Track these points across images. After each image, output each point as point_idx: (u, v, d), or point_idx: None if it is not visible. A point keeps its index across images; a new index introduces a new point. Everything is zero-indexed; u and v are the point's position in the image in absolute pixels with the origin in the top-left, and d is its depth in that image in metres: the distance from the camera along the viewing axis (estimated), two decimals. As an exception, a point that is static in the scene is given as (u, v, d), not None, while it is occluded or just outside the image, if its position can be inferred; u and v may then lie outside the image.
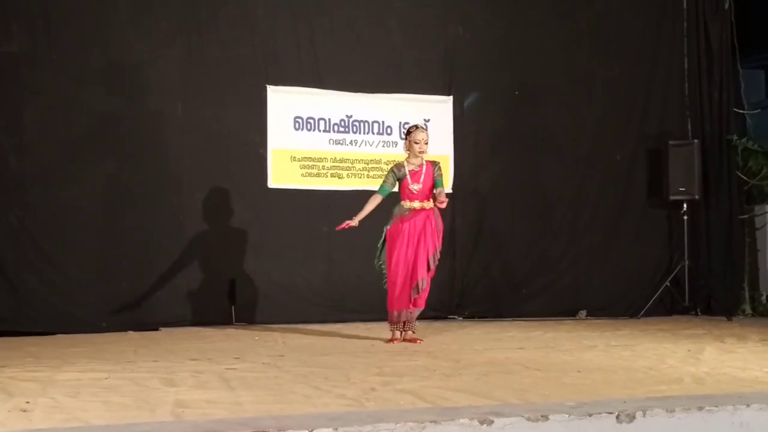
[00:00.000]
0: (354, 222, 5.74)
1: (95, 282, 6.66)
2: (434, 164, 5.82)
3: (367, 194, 7.41)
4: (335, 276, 7.34)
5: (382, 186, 5.85)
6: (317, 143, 7.42)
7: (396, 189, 5.83)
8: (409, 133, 5.84)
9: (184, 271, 6.92)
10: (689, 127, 8.44)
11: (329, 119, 7.47)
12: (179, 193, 6.99)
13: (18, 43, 6.56)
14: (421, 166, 5.77)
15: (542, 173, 8.03)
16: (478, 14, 7.95)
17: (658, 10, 8.46)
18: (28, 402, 3.39)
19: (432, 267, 5.72)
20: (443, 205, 5.65)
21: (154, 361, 4.73)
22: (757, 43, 9.19)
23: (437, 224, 5.77)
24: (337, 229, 5.84)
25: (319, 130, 7.44)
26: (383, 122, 7.62)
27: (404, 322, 5.75)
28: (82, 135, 6.71)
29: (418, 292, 5.70)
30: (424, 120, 7.70)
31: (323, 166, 7.43)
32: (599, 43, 8.28)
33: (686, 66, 8.48)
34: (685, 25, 8.49)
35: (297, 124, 7.37)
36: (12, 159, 6.54)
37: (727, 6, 8.48)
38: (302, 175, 7.37)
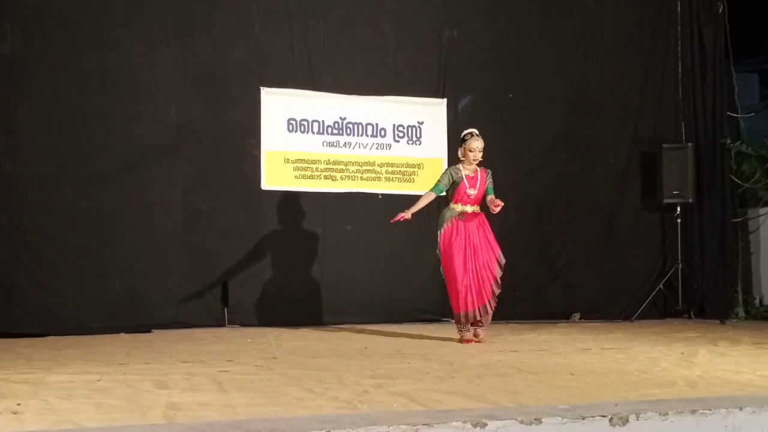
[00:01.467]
0: (407, 215, 5.85)
1: (88, 284, 6.64)
2: (487, 171, 5.96)
3: (361, 196, 7.48)
4: (328, 278, 7.33)
5: (437, 185, 5.92)
6: (311, 145, 7.41)
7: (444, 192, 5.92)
8: (464, 140, 5.91)
9: (177, 273, 6.91)
10: (683, 130, 8.46)
11: (323, 121, 7.46)
12: (172, 194, 6.97)
13: (11, 44, 6.54)
14: (476, 171, 5.89)
15: (536, 176, 8.03)
16: (472, 17, 7.96)
17: (652, 13, 8.48)
18: (19, 404, 3.37)
19: (502, 265, 5.85)
20: (497, 210, 5.77)
21: (147, 363, 4.72)
22: (750, 46, 9.23)
23: (488, 227, 5.91)
24: (392, 221, 5.91)
25: (313, 132, 7.43)
26: (377, 125, 7.62)
27: (472, 322, 5.82)
28: (76, 137, 6.69)
29: (499, 288, 5.84)
30: (418, 122, 7.72)
31: (317, 168, 7.43)
32: (593, 47, 8.29)
33: (680, 69, 8.50)
34: (679, 28, 8.52)
35: (291, 126, 7.36)
36: (5, 161, 6.52)
37: (721, 10, 8.50)
38: (296, 177, 7.36)
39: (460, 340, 5.83)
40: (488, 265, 5.83)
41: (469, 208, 5.86)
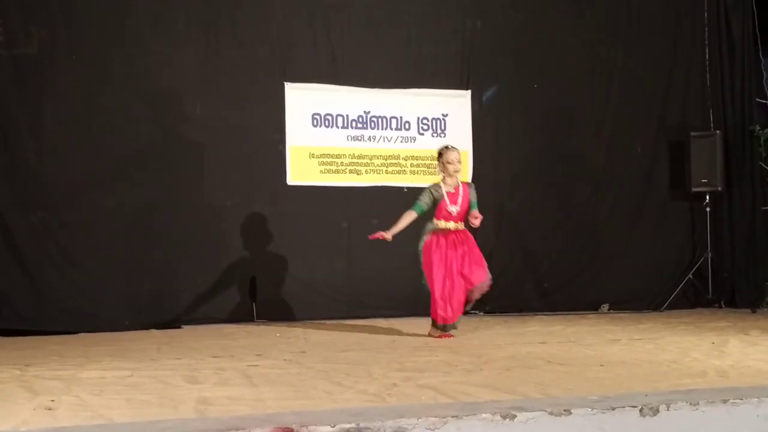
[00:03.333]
0: (388, 235, 5.74)
1: (117, 281, 6.70)
2: (470, 185, 5.88)
3: (385, 190, 7.48)
4: (355, 272, 7.35)
5: (417, 203, 5.82)
6: (335, 140, 7.42)
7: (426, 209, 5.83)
8: (440, 155, 5.83)
9: (206, 269, 6.95)
10: (711, 117, 8.35)
11: (347, 115, 7.46)
12: (199, 191, 7.02)
13: (38, 44, 6.61)
14: (457, 188, 5.79)
15: (563, 166, 7.98)
16: (495, 7, 7.91)
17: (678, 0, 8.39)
18: (52, 400, 3.41)
19: (485, 288, 5.78)
20: (477, 222, 5.69)
21: (177, 358, 4.76)
22: (779, 32, 9.07)
23: (472, 244, 5.79)
24: (369, 237, 5.84)
25: (337, 127, 7.44)
26: (401, 118, 7.61)
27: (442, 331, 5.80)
28: (103, 135, 6.74)
29: (480, 294, 5.80)
30: (443, 115, 7.69)
31: (342, 162, 7.44)
32: (619, 34, 8.21)
33: (707, 56, 8.39)
34: (706, 14, 8.40)
35: (315, 121, 7.37)
36: (33, 160, 6.59)
37: (748, -6, 8.39)
38: (321, 171, 7.37)
39: (430, 334, 5.76)
40: (476, 269, 5.70)
41: (452, 225, 5.74)
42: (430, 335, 5.80)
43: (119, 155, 6.78)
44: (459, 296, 5.71)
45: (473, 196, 5.82)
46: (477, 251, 5.80)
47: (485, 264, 5.80)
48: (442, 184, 5.81)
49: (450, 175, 5.79)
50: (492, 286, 5.86)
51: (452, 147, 5.86)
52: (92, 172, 6.70)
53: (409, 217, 5.79)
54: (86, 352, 5.15)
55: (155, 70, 6.91)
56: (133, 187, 6.81)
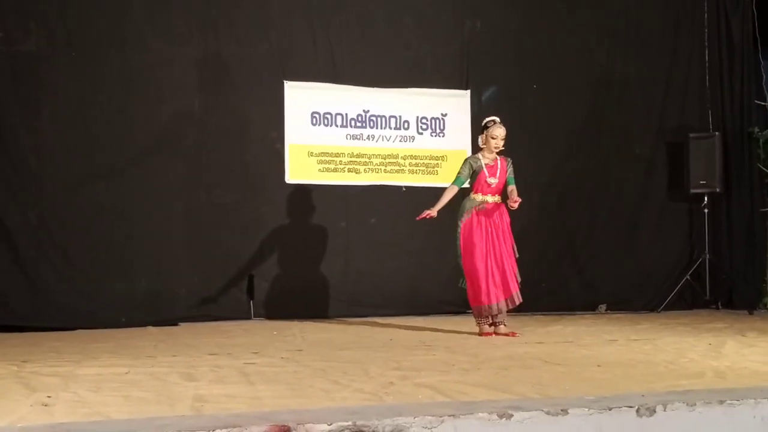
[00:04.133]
0: (433, 212, 5.73)
1: (114, 279, 6.70)
2: (507, 160, 5.85)
3: (383, 189, 7.48)
4: (353, 271, 7.35)
5: (458, 177, 5.82)
6: (334, 138, 7.42)
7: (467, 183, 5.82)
8: (486, 127, 5.81)
9: (202, 267, 6.95)
10: (710, 119, 8.36)
11: (346, 114, 7.46)
12: (197, 189, 7.02)
13: (36, 41, 6.60)
14: (495, 160, 5.77)
15: (561, 166, 7.98)
16: (494, 8, 7.91)
17: (678, 1, 8.38)
18: (49, 396, 3.41)
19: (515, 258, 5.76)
20: (516, 206, 5.67)
21: (174, 356, 4.76)
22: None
23: (508, 219, 5.79)
24: (417, 219, 5.81)
25: (336, 125, 7.44)
26: (400, 117, 7.61)
27: (494, 315, 5.72)
28: (100, 134, 6.74)
29: (518, 281, 5.73)
30: (442, 114, 7.69)
31: (340, 161, 7.44)
32: (618, 35, 8.22)
33: (707, 58, 8.40)
34: (705, 16, 8.41)
35: (314, 120, 7.37)
36: (31, 158, 6.58)
37: (749, -3, 8.39)
38: (320, 170, 7.37)
39: (480, 333, 5.73)
40: (511, 256, 5.74)
41: (489, 198, 5.75)
42: (482, 334, 5.65)
43: (115, 153, 6.78)
44: (509, 278, 5.66)
45: (510, 171, 5.80)
46: (509, 228, 5.74)
47: (513, 244, 5.75)
48: (481, 155, 5.78)
49: (491, 151, 5.76)
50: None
51: (499, 123, 5.81)
52: (89, 171, 6.70)
53: (451, 192, 5.79)
54: (83, 348, 5.14)
55: (153, 69, 6.90)
56: (130, 185, 6.80)
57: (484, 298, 5.68)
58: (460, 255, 5.77)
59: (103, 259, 6.69)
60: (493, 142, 5.74)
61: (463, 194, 5.92)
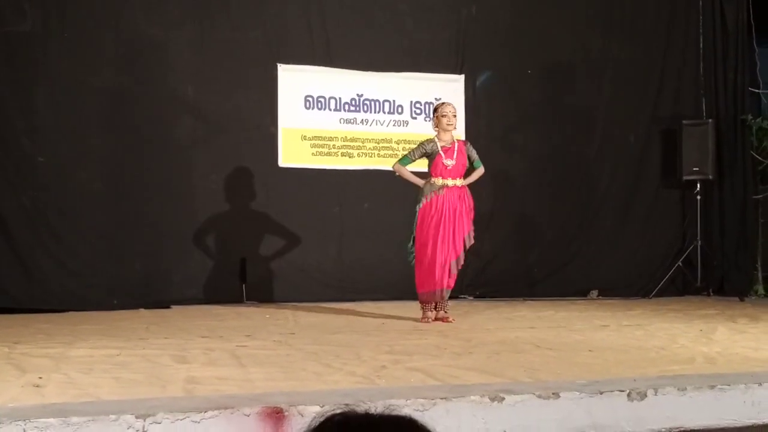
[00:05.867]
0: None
1: (108, 263, 6.68)
2: (465, 142, 5.83)
3: (377, 173, 7.45)
4: (346, 255, 7.34)
5: (404, 157, 5.82)
6: (328, 122, 7.40)
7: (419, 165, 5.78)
8: (436, 109, 5.80)
9: (196, 250, 6.94)
10: (704, 106, 8.36)
11: (340, 98, 7.43)
12: (190, 173, 6.99)
13: (31, 22, 6.54)
14: (452, 143, 5.72)
15: (555, 153, 7.98)
16: (490, -7, 7.88)
17: (673, -13, 8.37)
18: (41, 378, 3.41)
19: (467, 246, 5.69)
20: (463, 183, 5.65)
21: (166, 338, 4.75)
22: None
23: (470, 203, 5.73)
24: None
25: (330, 109, 7.41)
26: (394, 101, 7.58)
27: (437, 302, 5.70)
28: (94, 117, 6.70)
29: (457, 270, 5.67)
30: (436, 99, 7.65)
31: (334, 145, 7.41)
32: (613, 22, 8.19)
33: (701, 45, 8.38)
34: (700, 3, 8.39)
35: (308, 103, 7.34)
36: (25, 141, 6.54)
37: (743, -16, 8.37)
38: (313, 154, 7.35)
39: (422, 319, 5.65)
40: (458, 244, 5.63)
41: (450, 182, 5.65)
42: (424, 320, 5.63)
43: (109, 137, 6.74)
44: (445, 265, 5.61)
45: (472, 153, 5.75)
46: (470, 213, 5.68)
47: (470, 229, 5.68)
48: (436, 140, 5.73)
49: (444, 129, 5.68)
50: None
51: (448, 102, 5.81)
52: (83, 154, 6.66)
53: (402, 169, 5.79)
54: (74, 330, 5.13)
55: (148, 52, 6.85)
56: (124, 169, 6.77)
57: (437, 281, 5.61)
58: (413, 239, 5.71)
59: (97, 244, 6.67)
60: (444, 120, 5.66)
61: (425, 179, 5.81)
